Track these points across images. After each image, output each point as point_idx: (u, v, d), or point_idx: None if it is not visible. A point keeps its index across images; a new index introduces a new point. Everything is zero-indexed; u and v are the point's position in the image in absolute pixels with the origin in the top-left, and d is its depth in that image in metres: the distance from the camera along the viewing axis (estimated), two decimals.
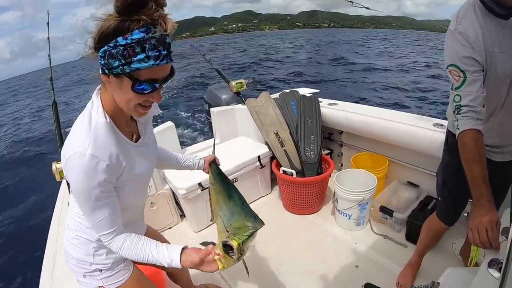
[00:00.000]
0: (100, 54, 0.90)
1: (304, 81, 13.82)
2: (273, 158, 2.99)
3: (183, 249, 1.11)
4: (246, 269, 1.28)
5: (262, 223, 1.24)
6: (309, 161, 2.78)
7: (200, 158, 1.67)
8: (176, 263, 1.09)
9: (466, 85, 1.24)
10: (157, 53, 0.89)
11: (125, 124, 1.13)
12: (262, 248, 2.55)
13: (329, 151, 3.34)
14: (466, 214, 2.37)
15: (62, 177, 2.13)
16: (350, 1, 2.42)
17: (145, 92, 0.94)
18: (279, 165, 2.89)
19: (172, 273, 1.89)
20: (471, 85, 1.23)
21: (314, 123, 2.95)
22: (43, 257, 1.99)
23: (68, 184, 1.34)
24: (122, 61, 0.88)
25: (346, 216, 2.58)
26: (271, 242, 2.58)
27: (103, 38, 0.88)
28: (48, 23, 3.26)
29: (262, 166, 2.98)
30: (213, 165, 1.65)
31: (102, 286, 1.30)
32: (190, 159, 1.66)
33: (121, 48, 0.87)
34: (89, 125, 1.00)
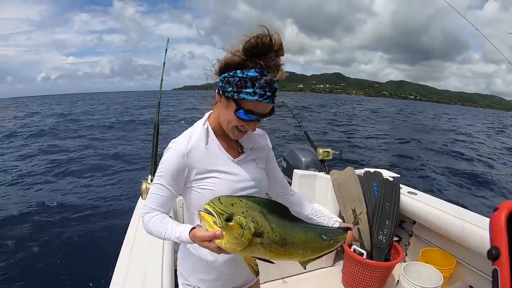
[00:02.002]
0: (221, 78, 1.18)
1: (386, 161, 13.36)
2: None
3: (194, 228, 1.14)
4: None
5: None
6: (380, 245, 2.85)
7: (336, 221, 1.59)
8: (185, 235, 1.11)
9: None
10: (262, 92, 1.12)
11: (225, 137, 1.33)
12: None
13: (397, 239, 3.36)
14: None
15: None
16: None
17: (244, 119, 1.18)
18: None
19: None
20: None
21: (392, 208, 3.02)
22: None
23: None
24: (235, 88, 1.14)
25: None
26: None
27: (227, 67, 1.16)
28: (166, 50, 3.60)
29: None
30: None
31: None
32: (325, 217, 1.61)
33: (237, 78, 1.13)
34: (191, 128, 1.31)
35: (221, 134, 1.32)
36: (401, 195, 3.18)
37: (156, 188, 1.26)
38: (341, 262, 3.25)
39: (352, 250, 2.86)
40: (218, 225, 1.01)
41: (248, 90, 1.12)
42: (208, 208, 1.02)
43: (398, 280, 2.65)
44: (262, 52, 1.11)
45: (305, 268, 1.34)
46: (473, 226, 2.57)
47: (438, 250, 2.99)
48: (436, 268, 2.66)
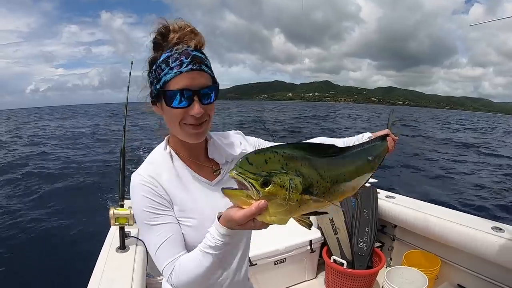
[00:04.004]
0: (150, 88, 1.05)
1: None
2: (324, 244, 3.02)
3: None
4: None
5: None
6: (361, 253, 2.79)
7: (369, 136, 1.40)
8: (218, 230, 0.84)
9: None
10: (179, 62, 0.94)
11: (193, 157, 1.13)
12: None
13: (380, 244, 3.29)
14: None
15: (116, 224, 2.10)
16: None
17: (180, 102, 0.96)
18: (329, 252, 2.91)
19: None
20: None
21: (370, 214, 2.98)
22: None
23: None
24: (155, 81, 0.98)
25: None
26: None
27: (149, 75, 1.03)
28: (130, 72, 2.88)
29: (312, 251, 3.00)
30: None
31: None
32: (356, 139, 1.40)
33: (153, 72, 0.99)
34: (150, 156, 1.11)
35: (187, 156, 1.12)
36: (379, 200, 3.13)
37: (152, 238, 0.99)
38: (323, 273, 3.17)
39: (332, 260, 2.80)
40: (255, 196, 0.73)
41: (164, 71, 0.95)
42: (236, 178, 0.73)
43: (382, 287, 2.58)
44: (164, 38, 1.00)
45: (357, 199, 1.13)
46: (454, 224, 2.55)
47: (422, 252, 2.95)
48: (420, 270, 2.62)
